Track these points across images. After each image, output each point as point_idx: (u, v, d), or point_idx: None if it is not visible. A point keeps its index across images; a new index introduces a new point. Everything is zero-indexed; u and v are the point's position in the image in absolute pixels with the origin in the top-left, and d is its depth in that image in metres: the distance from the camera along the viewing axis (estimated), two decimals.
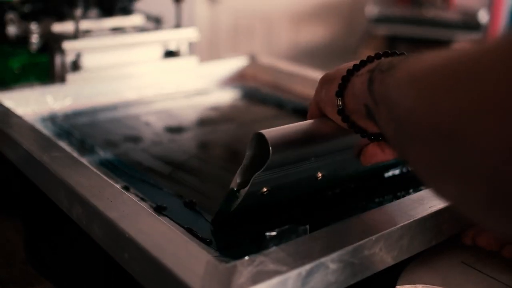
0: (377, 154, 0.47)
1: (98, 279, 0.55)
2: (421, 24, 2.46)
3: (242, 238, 0.48)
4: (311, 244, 0.39)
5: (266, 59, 1.02)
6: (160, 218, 0.44)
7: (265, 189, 0.46)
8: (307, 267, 0.37)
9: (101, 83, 0.85)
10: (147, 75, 0.90)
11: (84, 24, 0.90)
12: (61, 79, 0.85)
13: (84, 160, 0.60)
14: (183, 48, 0.97)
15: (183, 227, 0.49)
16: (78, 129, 0.74)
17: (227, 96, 0.93)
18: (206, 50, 2.26)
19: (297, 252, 0.38)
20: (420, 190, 0.54)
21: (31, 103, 0.78)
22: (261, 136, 0.43)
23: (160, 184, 0.59)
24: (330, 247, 0.39)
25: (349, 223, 0.43)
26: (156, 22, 1.01)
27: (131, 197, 0.46)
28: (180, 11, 0.98)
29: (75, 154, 0.61)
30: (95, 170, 0.51)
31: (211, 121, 0.84)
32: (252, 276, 0.35)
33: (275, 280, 0.35)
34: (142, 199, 0.55)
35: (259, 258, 0.37)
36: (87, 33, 0.91)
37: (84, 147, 0.69)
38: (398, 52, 0.43)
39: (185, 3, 0.98)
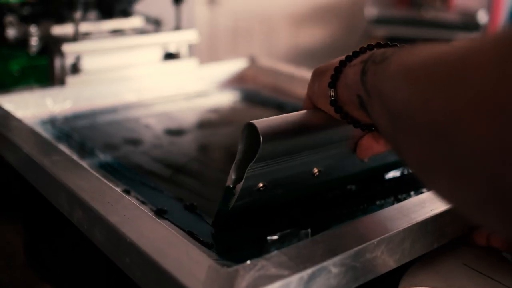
0: (372, 146, 0.47)
1: (99, 283, 0.54)
2: (420, 25, 2.46)
3: (243, 242, 0.47)
4: (313, 248, 0.39)
5: (265, 61, 1.02)
6: (161, 221, 0.44)
7: (261, 185, 0.46)
8: (309, 271, 0.37)
9: (101, 86, 0.85)
10: (147, 78, 0.90)
11: (84, 27, 0.90)
12: (61, 81, 0.85)
13: (84, 163, 0.60)
14: (183, 50, 0.97)
15: (184, 230, 0.49)
16: (78, 132, 0.74)
17: (227, 98, 0.93)
18: (206, 52, 2.26)
19: (299, 256, 0.38)
20: (422, 192, 0.54)
21: (31, 106, 0.78)
22: (252, 126, 0.43)
23: (160, 187, 0.59)
24: (332, 251, 0.39)
25: (350, 226, 0.43)
26: (155, 24, 1.01)
27: (132, 201, 0.46)
28: (179, 13, 0.98)
29: (75, 157, 0.61)
30: (95, 173, 0.51)
31: (211, 123, 0.83)
32: (254, 280, 0.35)
33: (277, 285, 0.35)
34: (143, 203, 0.55)
35: (261, 262, 0.37)
36: (86, 35, 0.91)
37: (84, 150, 0.68)
38: (390, 44, 0.43)
39: (184, 5, 0.98)
